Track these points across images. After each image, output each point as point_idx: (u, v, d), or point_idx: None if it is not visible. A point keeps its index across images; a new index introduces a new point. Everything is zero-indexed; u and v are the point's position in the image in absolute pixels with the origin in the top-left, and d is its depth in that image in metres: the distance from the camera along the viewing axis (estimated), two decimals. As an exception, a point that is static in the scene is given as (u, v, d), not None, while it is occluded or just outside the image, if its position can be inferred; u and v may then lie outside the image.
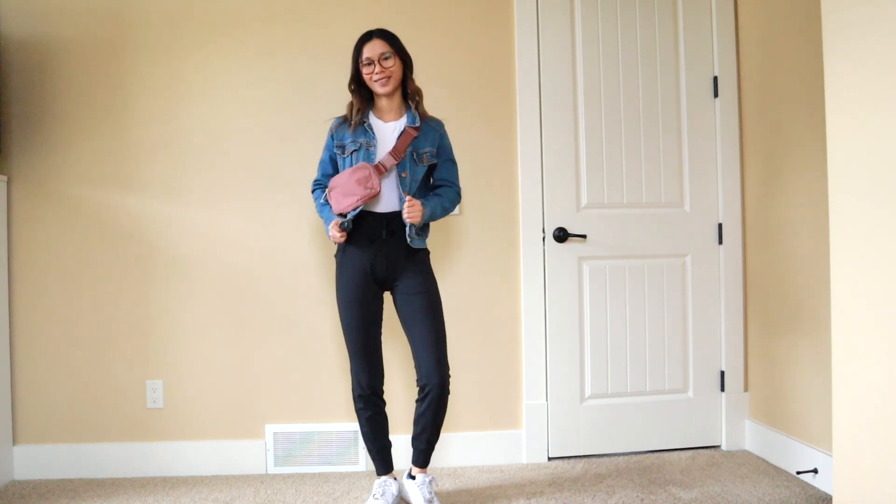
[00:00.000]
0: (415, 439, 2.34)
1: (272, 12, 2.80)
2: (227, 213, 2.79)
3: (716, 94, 2.97)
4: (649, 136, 2.93)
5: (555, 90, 2.87)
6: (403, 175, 2.25)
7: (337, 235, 2.22)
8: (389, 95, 2.28)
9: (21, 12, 2.73)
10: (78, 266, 2.75)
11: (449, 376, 2.27)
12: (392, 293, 2.33)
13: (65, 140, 2.75)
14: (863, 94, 1.62)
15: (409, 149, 2.25)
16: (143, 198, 2.77)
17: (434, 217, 2.30)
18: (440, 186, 2.36)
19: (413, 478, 2.37)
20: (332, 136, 2.34)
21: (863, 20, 1.61)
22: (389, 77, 2.23)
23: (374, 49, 2.22)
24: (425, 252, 2.34)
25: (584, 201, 2.90)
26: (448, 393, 2.27)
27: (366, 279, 2.26)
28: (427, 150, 2.29)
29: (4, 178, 2.70)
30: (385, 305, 2.35)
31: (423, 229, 2.30)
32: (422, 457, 2.35)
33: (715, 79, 2.97)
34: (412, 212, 2.19)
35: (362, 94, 2.29)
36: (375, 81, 2.23)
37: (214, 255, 2.79)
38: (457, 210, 2.81)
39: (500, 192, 2.86)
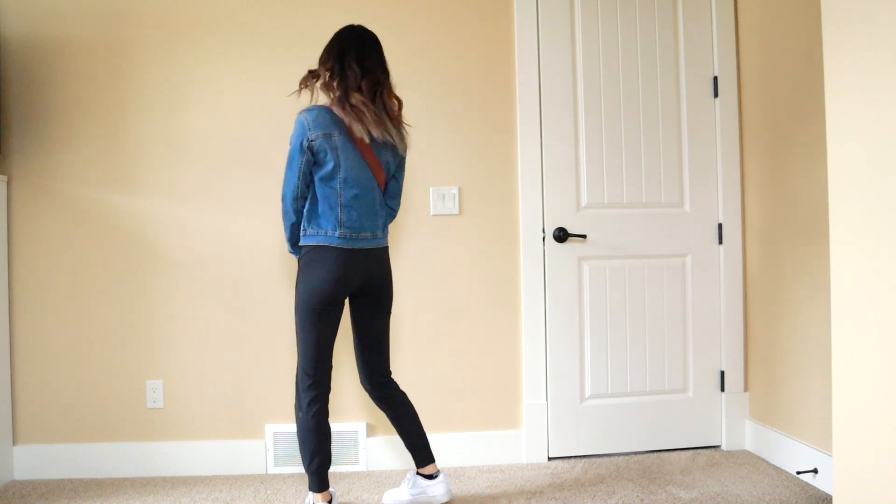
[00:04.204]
0: None
1: (272, 12, 2.80)
2: (228, 212, 2.79)
3: (716, 94, 2.97)
4: (649, 136, 2.93)
5: (555, 90, 2.87)
6: None
7: None
8: None
9: (21, 12, 2.73)
10: (78, 266, 2.75)
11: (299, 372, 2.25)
12: None
13: (65, 140, 2.75)
14: (863, 93, 1.62)
15: None
16: (142, 197, 2.77)
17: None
18: None
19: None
20: None
21: (863, 20, 1.61)
22: None
23: None
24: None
25: (584, 201, 2.90)
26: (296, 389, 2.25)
27: None
28: None
29: (4, 178, 2.70)
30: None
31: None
32: None
33: (715, 79, 2.97)
34: None
35: None
36: None
37: (215, 254, 2.79)
38: (456, 210, 2.82)
39: (500, 192, 2.86)
